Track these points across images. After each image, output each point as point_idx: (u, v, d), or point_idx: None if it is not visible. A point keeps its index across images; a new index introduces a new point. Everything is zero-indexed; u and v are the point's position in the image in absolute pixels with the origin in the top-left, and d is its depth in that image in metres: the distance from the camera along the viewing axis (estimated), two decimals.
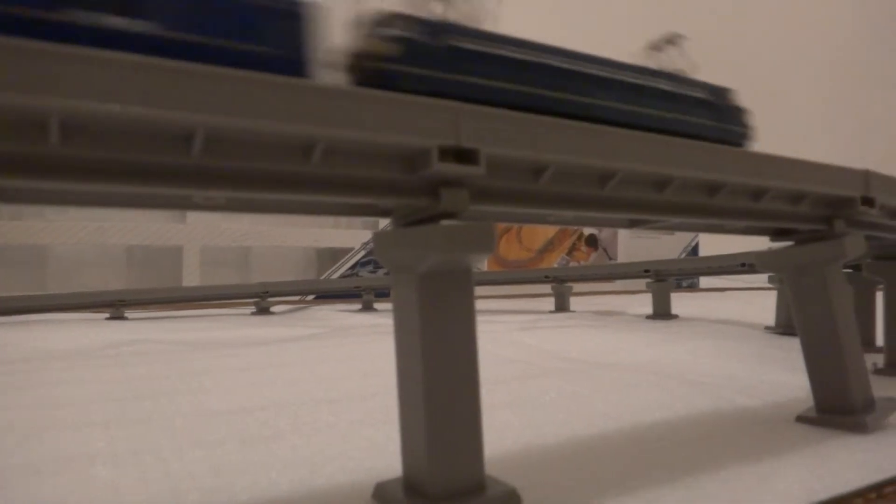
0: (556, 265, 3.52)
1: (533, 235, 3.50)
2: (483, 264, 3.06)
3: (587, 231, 3.69)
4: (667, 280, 1.99)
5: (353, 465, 0.52)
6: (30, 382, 0.88)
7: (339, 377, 0.90)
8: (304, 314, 2.17)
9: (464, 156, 0.38)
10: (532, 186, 0.43)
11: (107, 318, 2.00)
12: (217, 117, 0.30)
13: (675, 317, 1.92)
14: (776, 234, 0.67)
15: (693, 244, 3.86)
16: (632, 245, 3.81)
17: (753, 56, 4.65)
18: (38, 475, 0.50)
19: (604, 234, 3.74)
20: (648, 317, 1.94)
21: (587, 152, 0.42)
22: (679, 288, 3.67)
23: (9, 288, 2.21)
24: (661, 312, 1.95)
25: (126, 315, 2.05)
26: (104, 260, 2.54)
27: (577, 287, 2.38)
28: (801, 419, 0.66)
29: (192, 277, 2.58)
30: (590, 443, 0.58)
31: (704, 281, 3.78)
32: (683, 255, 3.73)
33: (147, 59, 0.29)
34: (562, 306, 2.24)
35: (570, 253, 3.72)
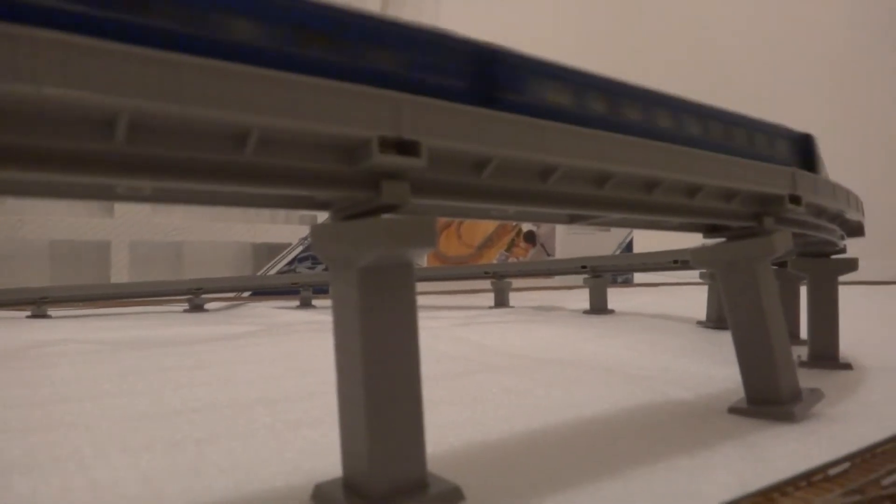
0: (495, 261, 3.55)
1: (472, 231, 3.52)
2: (423, 260, 3.06)
3: (525, 227, 3.73)
4: (603, 276, 2.03)
5: (290, 466, 0.50)
6: None
7: (276, 376, 0.87)
8: (239, 311, 2.12)
9: (405, 148, 0.37)
10: (474, 180, 0.43)
11: (28, 317, 1.90)
12: (140, 101, 0.28)
13: (612, 312, 1.96)
14: (709, 231, 0.69)
15: (627, 241, 3.95)
16: (569, 241, 3.87)
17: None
18: None
19: (542, 230, 3.79)
20: (586, 312, 1.97)
21: (530, 147, 0.42)
22: (614, 283, 3.76)
23: None
24: (598, 307, 1.99)
25: (49, 313, 1.95)
26: (25, 255, 2.41)
27: (517, 283, 2.40)
28: (733, 410, 0.68)
29: (120, 274, 2.47)
30: (531, 438, 0.58)
31: (638, 276, 3.88)
32: (618, 252, 3.82)
33: (65, 37, 0.27)
34: (501, 302, 2.26)
35: (509, 249, 3.75)
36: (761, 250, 0.64)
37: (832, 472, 0.44)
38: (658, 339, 1.26)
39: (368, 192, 0.38)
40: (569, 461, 0.51)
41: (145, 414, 0.67)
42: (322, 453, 0.52)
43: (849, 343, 1.12)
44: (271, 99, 0.32)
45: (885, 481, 0.41)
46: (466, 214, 0.49)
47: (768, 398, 0.67)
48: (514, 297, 2.37)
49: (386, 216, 0.39)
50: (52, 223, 2.35)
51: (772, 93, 4.92)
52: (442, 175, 0.41)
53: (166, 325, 1.64)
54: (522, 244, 3.83)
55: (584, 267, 2.05)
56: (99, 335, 1.41)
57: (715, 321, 1.51)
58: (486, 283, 2.30)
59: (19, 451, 0.54)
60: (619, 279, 3.85)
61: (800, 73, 5.01)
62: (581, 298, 2.09)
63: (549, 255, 3.85)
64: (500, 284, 2.26)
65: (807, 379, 0.85)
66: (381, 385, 0.40)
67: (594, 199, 0.51)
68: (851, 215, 0.88)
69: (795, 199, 0.65)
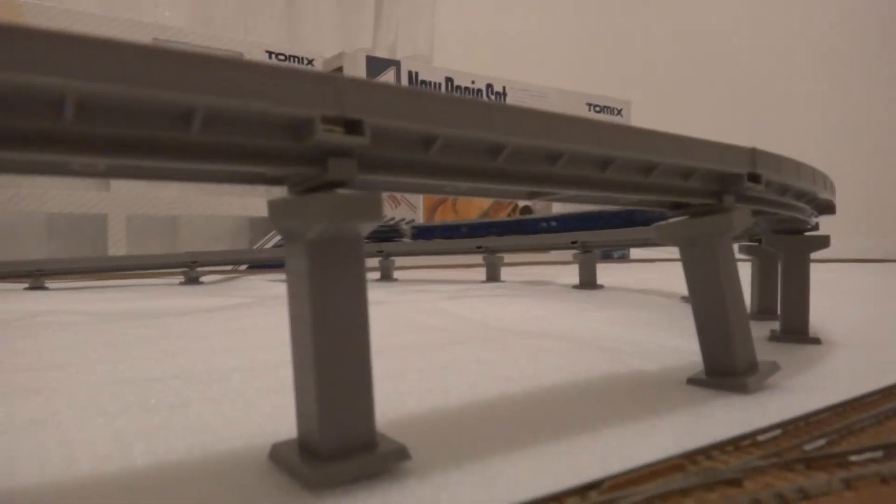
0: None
1: (468, 206, 3.53)
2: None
3: (522, 203, 3.74)
4: (592, 251, 2.05)
5: (255, 429, 0.53)
6: None
7: (259, 346, 0.90)
8: (233, 284, 2.15)
9: (349, 126, 0.39)
10: (422, 157, 0.44)
11: (25, 289, 1.93)
12: (85, 83, 0.30)
13: (601, 287, 1.98)
14: (671, 208, 0.71)
15: None
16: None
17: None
18: None
19: (538, 205, 3.80)
20: (575, 287, 2.00)
21: (473, 126, 0.43)
22: (611, 259, 3.78)
23: None
24: (587, 282, 2.01)
25: (47, 286, 1.98)
26: (22, 228, 2.44)
27: (513, 258, 2.43)
28: (692, 381, 0.70)
29: (117, 247, 2.50)
30: (490, 405, 0.61)
31: (636, 252, 3.91)
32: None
33: (12, 25, 0.29)
34: (493, 276, 2.28)
35: None
36: (720, 227, 0.66)
37: (761, 437, 0.47)
38: (638, 314, 1.28)
39: (317, 169, 0.40)
40: (518, 426, 0.54)
41: (126, 380, 0.70)
42: (287, 417, 0.54)
43: (824, 318, 1.14)
44: (216, 80, 0.34)
45: (808, 447, 0.44)
46: (420, 189, 0.51)
47: (725, 370, 0.69)
48: (507, 272, 2.39)
49: (338, 191, 0.41)
50: (50, 196, 2.37)
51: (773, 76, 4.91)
52: (389, 152, 0.43)
53: (160, 298, 1.67)
54: None
55: (574, 242, 2.07)
56: (92, 306, 1.44)
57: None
58: (480, 258, 2.32)
59: (1, 414, 0.57)
60: (616, 255, 3.88)
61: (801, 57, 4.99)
62: (573, 274, 2.11)
63: None
64: (492, 259, 2.29)
65: (775, 352, 0.88)
66: (330, 351, 0.42)
67: (547, 177, 0.53)
68: (821, 194, 0.89)
69: (755, 178, 0.67)
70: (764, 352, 0.83)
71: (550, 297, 1.66)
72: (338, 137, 0.38)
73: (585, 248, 2.06)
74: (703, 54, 5.22)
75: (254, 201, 2.85)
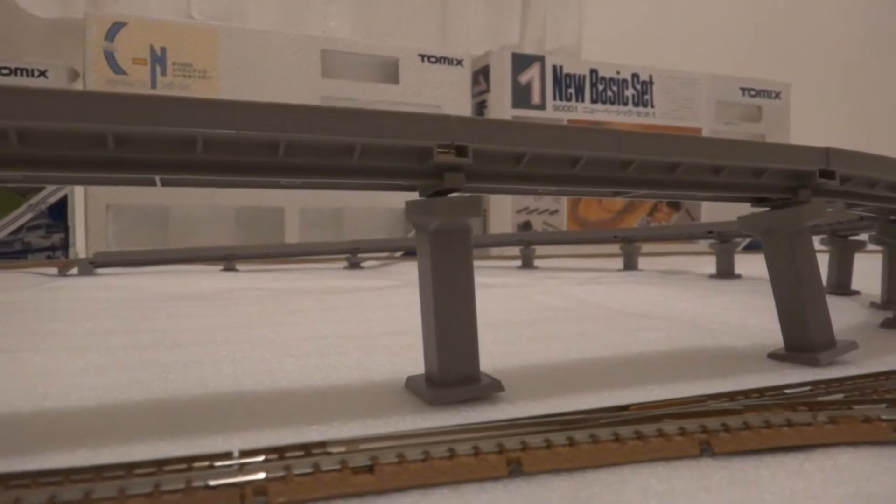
0: (636, 226, 3.59)
1: (611, 199, 3.58)
2: (563, 223, 3.19)
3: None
4: (730, 241, 2.06)
5: (396, 369, 0.72)
6: (165, 315, 1.14)
7: (402, 318, 1.10)
8: (389, 269, 2.41)
9: (459, 150, 0.55)
10: (515, 169, 0.60)
11: (221, 270, 2.31)
12: (294, 134, 0.49)
13: (738, 277, 2.00)
14: (754, 202, 0.80)
15: None
16: (717, 206, 3.80)
17: None
18: (186, 368, 0.73)
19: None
20: (711, 276, 2.03)
21: (552, 145, 0.58)
22: (756, 249, 3.65)
23: (138, 243, 2.57)
24: (725, 272, 2.04)
25: (237, 268, 2.35)
26: (217, 220, 2.87)
27: (658, 248, 2.47)
28: (772, 356, 0.80)
29: (292, 235, 2.87)
30: (579, 363, 0.75)
31: None
32: None
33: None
34: (630, 265, 2.36)
35: (650, 214, 3.77)
36: (793, 219, 0.75)
37: (789, 391, 0.57)
38: (754, 301, 1.34)
39: (436, 180, 0.57)
40: (596, 378, 0.68)
41: (304, 337, 0.92)
42: (417, 363, 0.72)
43: None
44: (368, 125, 0.52)
45: (821, 398, 0.54)
46: (514, 193, 0.67)
47: (802, 346, 0.78)
48: (646, 262, 2.45)
49: (451, 196, 0.58)
50: (238, 193, 2.77)
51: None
52: (489, 166, 0.59)
53: (327, 279, 1.95)
54: (665, 209, 3.82)
55: (710, 232, 2.10)
56: (274, 284, 1.73)
57: (832, 286, 1.54)
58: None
59: (224, 353, 0.80)
60: None
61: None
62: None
63: (693, 219, 3.82)
64: (629, 248, 2.36)
65: (879, 337, 0.93)
66: (446, 312, 0.59)
67: (621, 180, 0.66)
68: None
69: (827, 174, 0.75)
70: (867, 335, 0.90)
71: (678, 285, 1.73)
72: (450, 158, 0.55)
73: (723, 238, 2.08)
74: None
75: (408, 195, 3.11)
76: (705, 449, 0.45)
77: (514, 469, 0.41)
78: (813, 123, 4.26)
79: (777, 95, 4.04)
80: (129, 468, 0.38)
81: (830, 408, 0.50)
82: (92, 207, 2.41)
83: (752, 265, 2.32)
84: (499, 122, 0.57)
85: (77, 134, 0.46)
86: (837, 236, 1.50)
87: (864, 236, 1.43)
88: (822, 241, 1.77)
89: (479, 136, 0.56)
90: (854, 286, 1.56)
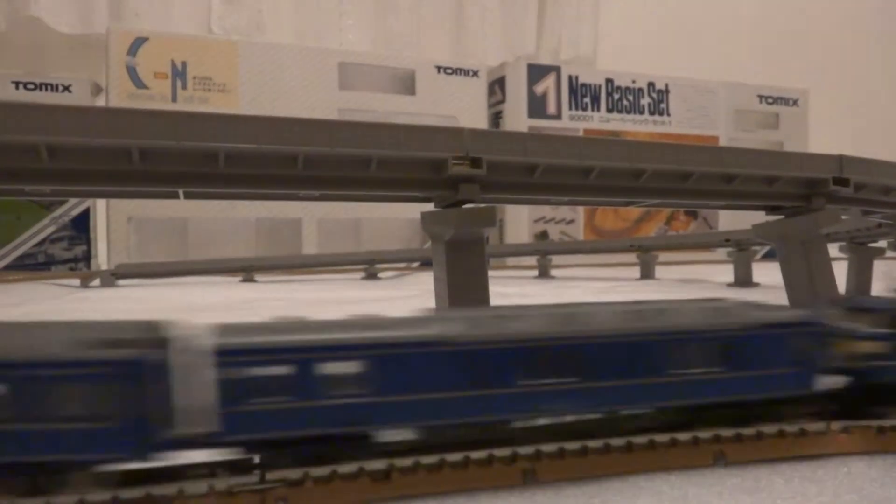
0: (653, 234, 3.58)
1: (627, 209, 3.57)
2: (579, 232, 3.19)
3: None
4: (748, 249, 2.05)
5: None
6: None
7: None
8: (406, 279, 2.42)
9: (473, 162, 0.57)
10: (529, 180, 0.61)
11: (240, 281, 2.34)
12: (314, 148, 0.50)
13: (756, 285, 1.99)
14: (769, 210, 0.81)
15: None
16: (735, 214, 3.78)
17: None
18: None
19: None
20: (729, 285, 2.02)
21: (565, 155, 0.59)
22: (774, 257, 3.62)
23: (158, 255, 2.61)
24: (742, 280, 2.02)
25: (256, 279, 2.38)
26: (236, 231, 2.90)
27: (675, 256, 2.45)
28: None
29: (310, 246, 2.89)
30: None
31: None
32: None
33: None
34: (647, 274, 2.34)
35: (668, 222, 3.76)
36: (807, 226, 0.75)
37: None
38: None
39: (452, 191, 0.59)
40: None
41: None
42: None
43: None
44: (385, 139, 0.53)
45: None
46: (529, 203, 0.68)
47: None
48: (663, 271, 2.43)
49: (466, 206, 0.59)
50: (257, 204, 2.81)
51: None
52: (503, 177, 0.60)
53: (344, 289, 1.96)
54: (682, 217, 3.81)
55: (727, 240, 2.09)
56: (292, 295, 1.75)
57: (853, 293, 1.53)
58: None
59: None
60: None
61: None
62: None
63: (711, 228, 3.80)
64: (646, 257, 2.35)
65: None
66: None
67: (634, 189, 0.67)
68: None
69: (841, 181, 0.75)
70: None
71: (696, 294, 1.72)
72: (465, 170, 0.56)
73: (741, 247, 2.07)
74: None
75: (424, 206, 3.13)
76: (718, 459, 0.45)
77: (528, 477, 0.42)
78: (832, 130, 4.22)
79: (795, 102, 4.01)
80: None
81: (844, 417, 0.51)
82: (114, 219, 2.45)
83: (770, 273, 2.30)
84: (512, 134, 0.58)
85: (104, 149, 0.47)
86: (855, 243, 1.49)
87: (882, 243, 1.42)
88: (841, 249, 1.77)
89: (493, 148, 0.57)
90: (873, 292, 1.55)
